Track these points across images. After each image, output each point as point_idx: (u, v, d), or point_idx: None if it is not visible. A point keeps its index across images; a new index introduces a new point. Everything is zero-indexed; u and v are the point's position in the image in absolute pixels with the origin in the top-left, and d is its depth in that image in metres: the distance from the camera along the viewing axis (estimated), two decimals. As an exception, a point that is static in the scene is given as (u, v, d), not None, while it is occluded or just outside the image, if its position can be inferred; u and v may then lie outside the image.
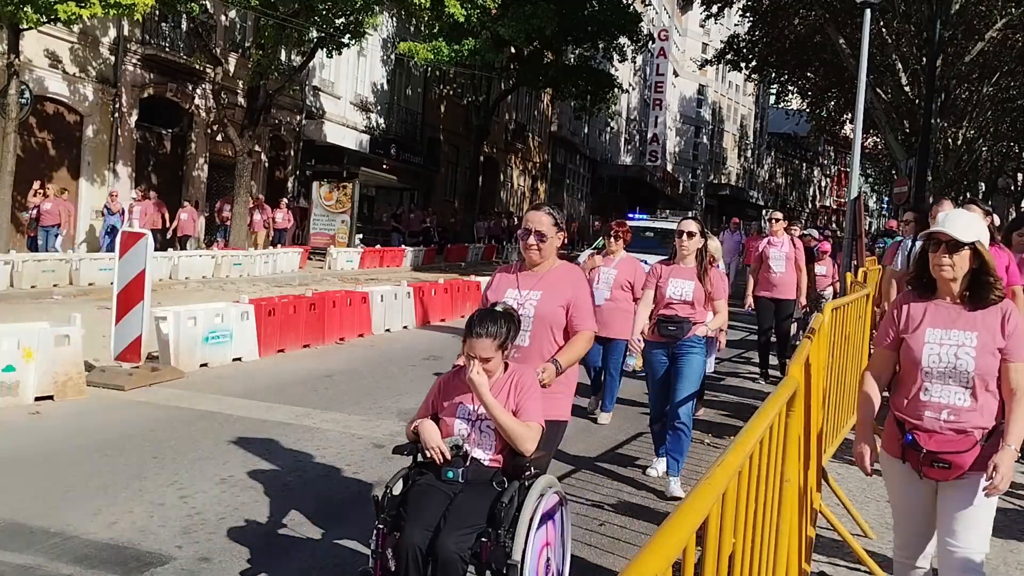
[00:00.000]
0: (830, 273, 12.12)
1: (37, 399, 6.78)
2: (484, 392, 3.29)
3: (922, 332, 3.07)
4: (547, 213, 3.86)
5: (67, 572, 3.83)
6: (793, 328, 10.62)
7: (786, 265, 9.37)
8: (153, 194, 19.31)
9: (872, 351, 3.56)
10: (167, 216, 19.60)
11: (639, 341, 5.77)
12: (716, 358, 8.26)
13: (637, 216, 16.61)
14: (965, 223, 3.04)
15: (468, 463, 3.35)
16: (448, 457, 3.33)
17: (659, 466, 5.83)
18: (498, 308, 3.50)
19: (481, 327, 3.37)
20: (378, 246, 25.32)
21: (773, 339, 9.73)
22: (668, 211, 18.62)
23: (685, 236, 5.73)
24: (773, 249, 9.49)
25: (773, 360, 9.76)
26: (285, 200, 24.16)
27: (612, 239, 7.44)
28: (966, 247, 3.01)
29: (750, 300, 9.73)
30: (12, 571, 3.79)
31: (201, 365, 8.55)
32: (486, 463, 3.38)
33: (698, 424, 7.50)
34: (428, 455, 3.35)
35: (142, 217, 18.07)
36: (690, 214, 6.35)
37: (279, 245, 22.92)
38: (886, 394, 3.33)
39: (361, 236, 26.44)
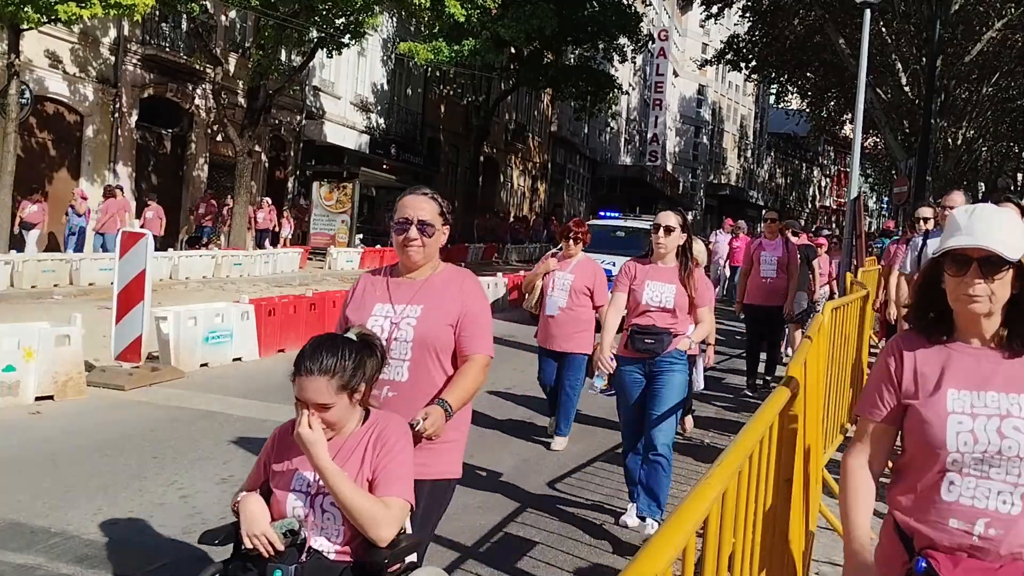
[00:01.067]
0: (825, 271, 11.77)
1: (37, 399, 6.78)
2: (318, 455, 2.32)
3: (942, 396, 1.94)
4: (430, 198, 2.93)
5: (67, 572, 3.83)
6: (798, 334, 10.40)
7: (777, 270, 8.72)
8: (119, 192, 18.42)
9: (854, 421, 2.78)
10: (129, 216, 18.34)
11: (611, 359, 4.74)
12: (704, 374, 7.25)
13: (608, 214, 15.98)
14: (1010, 230, 1.93)
15: (306, 556, 2.40)
16: (279, 548, 2.39)
17: (635, 514, 4.75)
18: (350, 333, 2.55)
19: (314, 360, 2.38)
20: (378, 246, 25.31)
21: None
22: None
23: (662, 232, 4.72)
24: (764, 252, 8.82)
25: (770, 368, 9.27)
26: (268, 200, 23.45)
27: (570, 241, 6.40)
28: (1007, 267, 1.91)
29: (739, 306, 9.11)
30: (12, 571, 3.79)
31: (201, 365, 8.55)
32: (331, 556, 2.41)
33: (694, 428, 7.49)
34: (252, 544, 2.43)
35: (102, 216, 17.27)
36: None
37: (275, 246, 22.67)
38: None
39: (361, 236, 26.44)
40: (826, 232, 17.49)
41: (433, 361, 2.83)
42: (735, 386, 9.41)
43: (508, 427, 6.99)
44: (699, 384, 6.80)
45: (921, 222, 6.95)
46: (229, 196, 22.25)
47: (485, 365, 2.88)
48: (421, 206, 2.90)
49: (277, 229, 23.79)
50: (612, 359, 4.74)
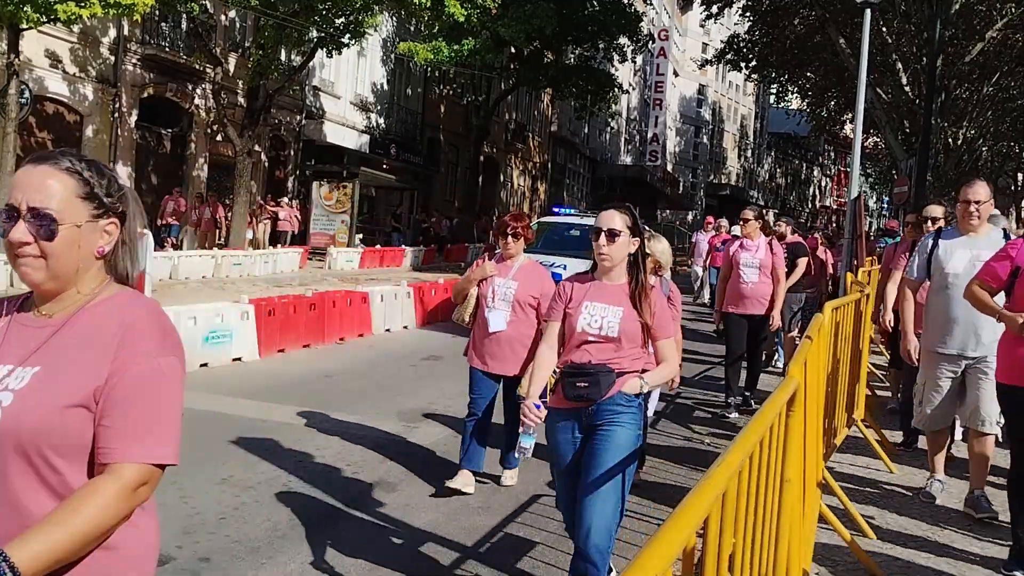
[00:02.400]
0: (811, 270, 11.42)
1: (37, 399, 6.77)
2: None
3: None
4: (63, 169, 1.62)
5: (67, 572, 3.82)
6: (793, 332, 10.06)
7: (760, 274, 7.69)
8: None
9: None
10: None
11: (539, 408, 3.50)
12: (656, 407, 6.00)
13: (563, 211, 14.62)
14: None
15: None
16: None
17: None
18: None
19: None
20: (378, 246, 25.33)
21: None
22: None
23: (604, 237, 3.47)
24: (745, 254, 7.77)
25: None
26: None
27: (508, 239, 5.16)
28: None
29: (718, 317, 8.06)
30: (12, 571, 3.78)
31: (201, 365, 8.54)
32: None
33: (690, 430, 7.46)
34: None
35: None
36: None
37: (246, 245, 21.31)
38: None
39: (361, 236, 26.46)
40: (820, 231, 17.20)
41: (39, 473, 1.53)
42: (711, 404, 8.37)
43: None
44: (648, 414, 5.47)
45: (930, 222, 6.04)
46: (199, 195, 21.38)
47: (135, 484, 1.52)
48: (42, 184, 1.60)
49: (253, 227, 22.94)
50: (541, 407, 3.52)
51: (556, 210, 15.00)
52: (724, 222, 16.81)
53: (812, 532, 4.06)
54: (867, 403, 7.06)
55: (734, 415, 7.67)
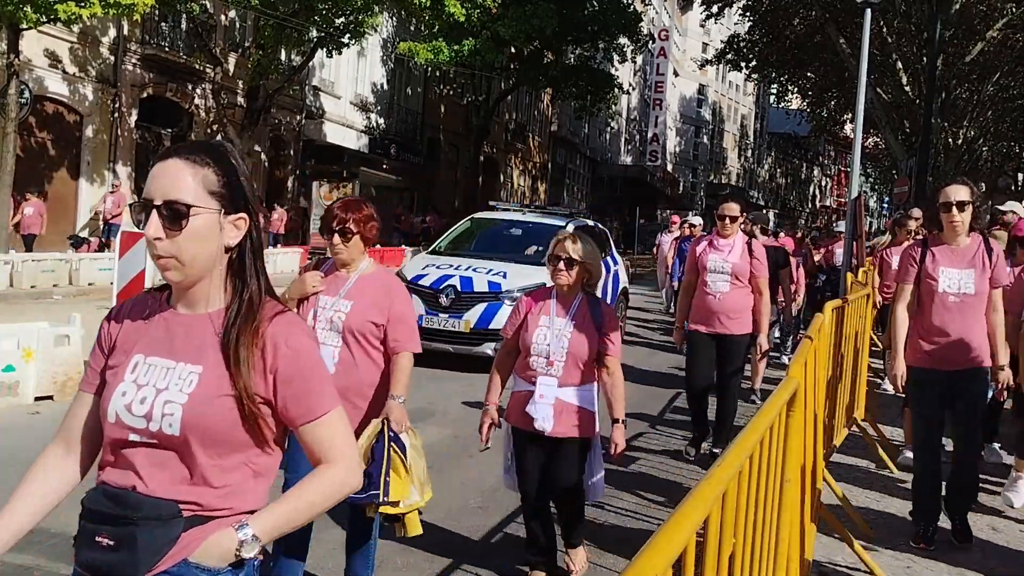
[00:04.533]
0: (794, 278, 9.78)
1: (37, 399, 6.78)
2: None
3: None
4: None
5: (67, 572, 3.81)
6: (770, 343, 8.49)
7: (731, 283, 6.02)
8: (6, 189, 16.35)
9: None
10: (13, 212, 16.58)
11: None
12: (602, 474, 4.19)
13: (500, 206, 12.53)
14: None
15: None
16: None
17: None
18: None
19: None
20: (377, 246, 25.31)
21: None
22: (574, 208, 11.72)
23: (154, 226, 1.64)
24: (714, 255, 6.06)
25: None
26: (118, 183, 20.18)
27: (335, 237, 3.42)
28: None
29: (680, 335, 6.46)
30: (12, 571, 3.78)
31: (201, 365, 8.53)
32: None
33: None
34: None
35: None
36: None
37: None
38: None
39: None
40: (801, 228, 16.71)
41: None
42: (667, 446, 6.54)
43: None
44: (595, 492, 4.16)
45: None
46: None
47: None
48: None
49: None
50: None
51: (493, 204, 12.87)
52: (696, 219, 14.46)
53: (812, 532, 4.06)
54: (867, 402, 7.06)
55: (693, 454, 6.15)
